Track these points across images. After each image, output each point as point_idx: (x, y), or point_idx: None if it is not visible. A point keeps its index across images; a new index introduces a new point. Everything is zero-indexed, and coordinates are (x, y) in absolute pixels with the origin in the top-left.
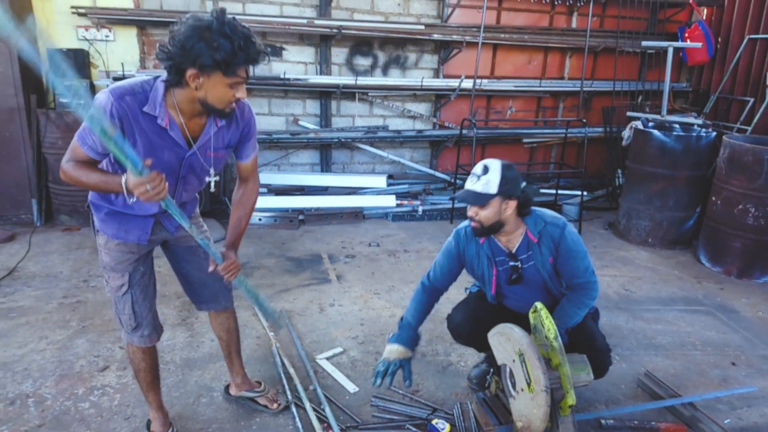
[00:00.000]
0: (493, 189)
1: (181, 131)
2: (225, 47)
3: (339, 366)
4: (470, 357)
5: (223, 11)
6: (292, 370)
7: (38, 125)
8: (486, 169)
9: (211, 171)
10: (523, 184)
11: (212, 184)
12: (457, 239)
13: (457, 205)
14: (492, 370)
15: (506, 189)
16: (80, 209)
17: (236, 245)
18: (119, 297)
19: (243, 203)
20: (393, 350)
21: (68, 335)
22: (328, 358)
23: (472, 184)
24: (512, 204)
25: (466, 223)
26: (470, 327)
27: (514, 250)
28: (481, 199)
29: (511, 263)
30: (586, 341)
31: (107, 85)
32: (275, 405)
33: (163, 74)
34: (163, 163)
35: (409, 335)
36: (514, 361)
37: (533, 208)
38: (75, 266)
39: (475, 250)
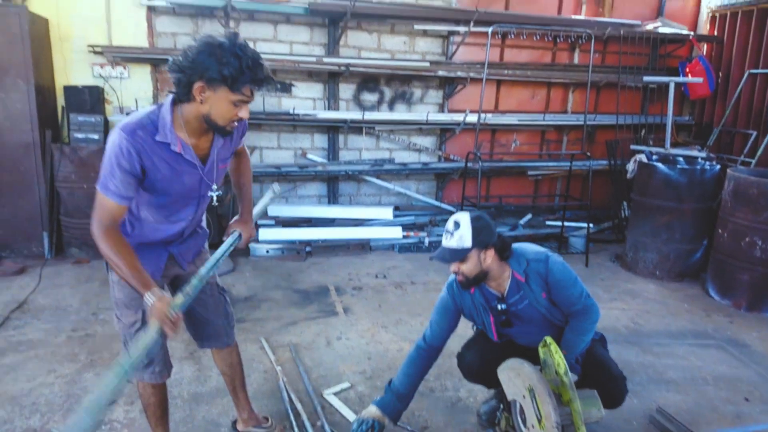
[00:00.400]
0: (468, 243)
1: (193, 151)
2: (233, 64)
3: (347, 401)
4: (480, 393)
5: (236, 34)
6: (299, 406)
7: (52, 159)
8: (457, 225)
9: (214, 186)
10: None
11: (214, 198)
12: (451, 293)
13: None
14: (502, 406)
15: (481, 239)
16: (90, 242)
17: (250, 211)
18: (131, 334)
19: (242, 170)
20: (370, 411)
21: (77, 369)
22: (335, 393)
23: (447, 241)
24: (490, 253)
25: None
26: (481, 366)
27: (505, 293)
28: (458, 255)
29: (500, 306)
30: (600, 371)
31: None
32: None
33: (165, 100)
34: (185, 187)
35: (391, 401)
36: (524, 396)
37: (514, 247)
38: (84, 299)
39: (470, 301)
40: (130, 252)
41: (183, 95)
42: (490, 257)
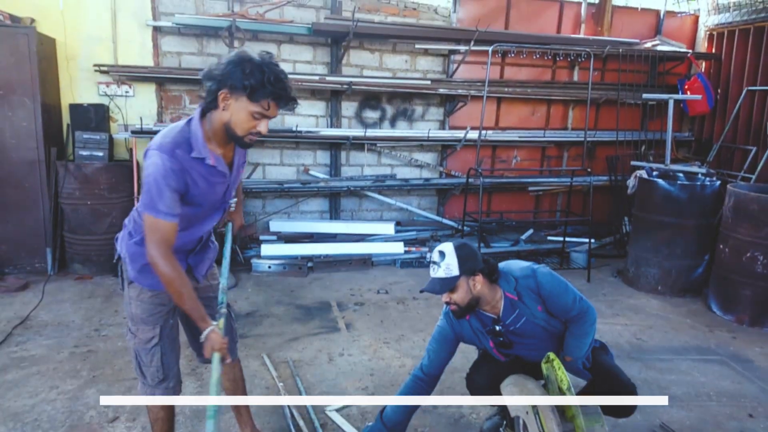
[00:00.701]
0: (455, 271)
1: (224, 161)
2: (257, 77)
3: (348, 418)
4: (483, 409)
5: (270, 54)
6: (301, 422)
7: (57, 176)
8: (442, 255)
9: (233, 193)
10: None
11: (232, 204)
12: (450, 321)
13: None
14: (505, 422)
15: (467, 267)
16: (93, 258)
17: (241, 205)
18: (147, 350)
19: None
20: None
21: (79, 385)
22: (337, 410)
23: (434, 273)
24: (479, 278)
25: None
26: (492, 387)
27: (500, 315)
28: (448, 284)
29: (497, 328)
30: (610, 381)
31: (125, 139)
32: None
33: (193, 116)
34: (217, 197)
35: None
36: (527, 413)
37: (500, 267)
38: (87, 315)
39: (468, 327)
40: (188, 281)
41: (210, 102)
42: (479, 283)
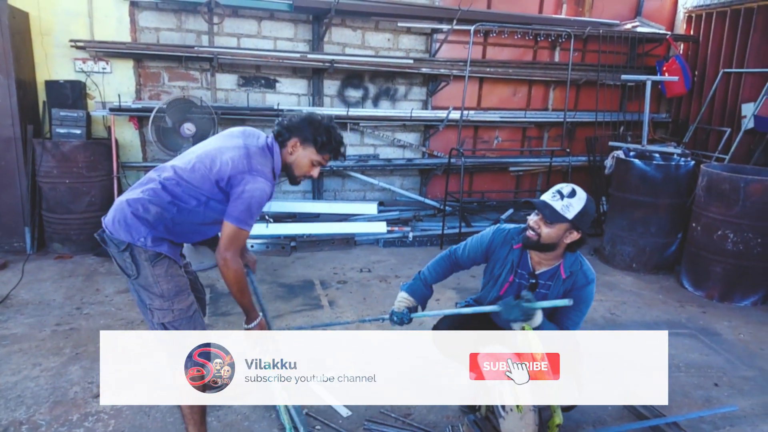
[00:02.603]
0: (570, 214)
1: None
2: (326, 135)
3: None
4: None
5: (331, 118)
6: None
7: (34, 154)
8: (573, 193)
9: None
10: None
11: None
12: (494, 237)
13: (448, 230)
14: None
15: (581, 221)
16: (73, 237)
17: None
18: (188, 318)
19: None
20: (402, 298)
21: (62, 362)
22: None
23: (552, 200)
24: (574, 236)
25: (511, 226)
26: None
27: (538, 272)
28: (554, 217)
29: (531, 281)
30: None
31: (103, 117)
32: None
33: (274, 147)
34: None
35: (419, 288)
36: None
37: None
38: (68, 294)
39: (504, 253)
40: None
41: (282, 144)
42: (570, 239)
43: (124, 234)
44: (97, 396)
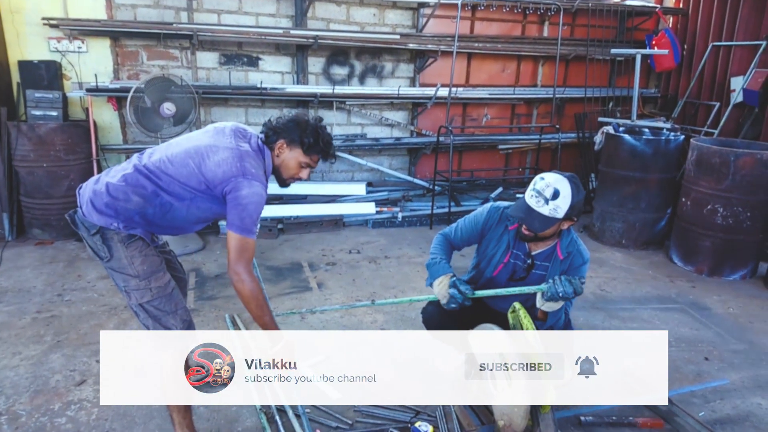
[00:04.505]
0: (560, 215)
1: None
2: (314, 136)
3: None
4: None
5: (320, 119)
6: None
7: (9, 138)
8: (556, 195)
9: None
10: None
11: None
12: (489, 215)
13: (437, 210)
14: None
15: (573, 213)
16: (53, 223)
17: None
18: (168, 295)
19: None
20: (440, 283)
21: (43, 350)
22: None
23: (537, 206)
24: (568, 223)
25: (506, 204)
26: (441, 318)
27: (534, 253)
28: (547, 224)
29: (528, 262)
30: None
31: (80, 98)
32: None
33: (264, 148)
34: None
35: (444, 265)
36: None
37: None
38: (49, 280)
39: (500, 233)
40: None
41: (269, 145)
42: (565, 226)
43: (97, 218)
44: (80, 384)
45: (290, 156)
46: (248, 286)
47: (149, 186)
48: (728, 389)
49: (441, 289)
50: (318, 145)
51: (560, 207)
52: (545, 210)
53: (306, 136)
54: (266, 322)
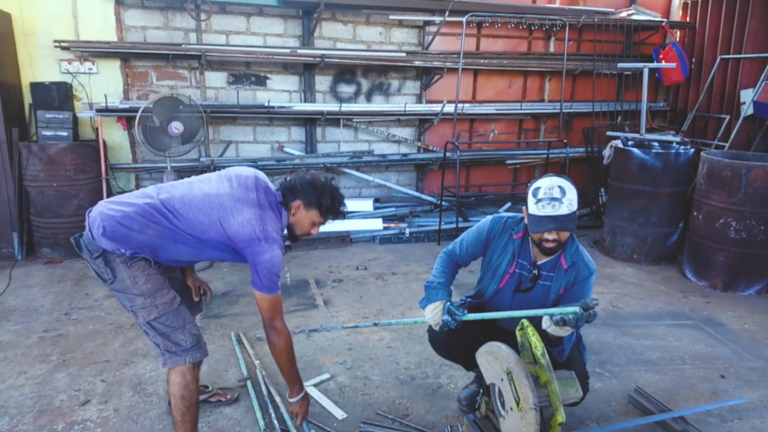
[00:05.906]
0: (576, 206)
1: None
2: (330, 200)
3: (326, 392)
4: (460, 379)
5: (333, 177)
6: (278, 398)
7: (20, 158)
8: (563, 191)
9: None
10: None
11: None
12: (493, 226)
13: (445, 225)
14: (482, 391)
15: (578, 203)
16: (62, 242)
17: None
18: (175, 311)
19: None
20: (434, 309)
21: (48, 369)
22: (315, 385)
23: (557, 210)
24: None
25: (509, 215)
26: (448, 336)
27: (540, 263)
28: (574, 220)
29: (534, 272)
30: (565, 367)
31: (91, 118)
32: (227, 397)
33: (281, 208)
34: None
35: (441, 291)
36: (502, 380)
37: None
38: (56, 299)
39: (504, 243)
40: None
41: (285, 204)
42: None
43: (105, 243)
44: (84, 404)
45: (305, 216)
46: (285, 340)
47: (165, 223)
48: (746, 408)
49: (434, 315)
50: (334, 208)
51: (573, 199)
52: (564, 209)
53: (324, 198)
54: (294, 374)
